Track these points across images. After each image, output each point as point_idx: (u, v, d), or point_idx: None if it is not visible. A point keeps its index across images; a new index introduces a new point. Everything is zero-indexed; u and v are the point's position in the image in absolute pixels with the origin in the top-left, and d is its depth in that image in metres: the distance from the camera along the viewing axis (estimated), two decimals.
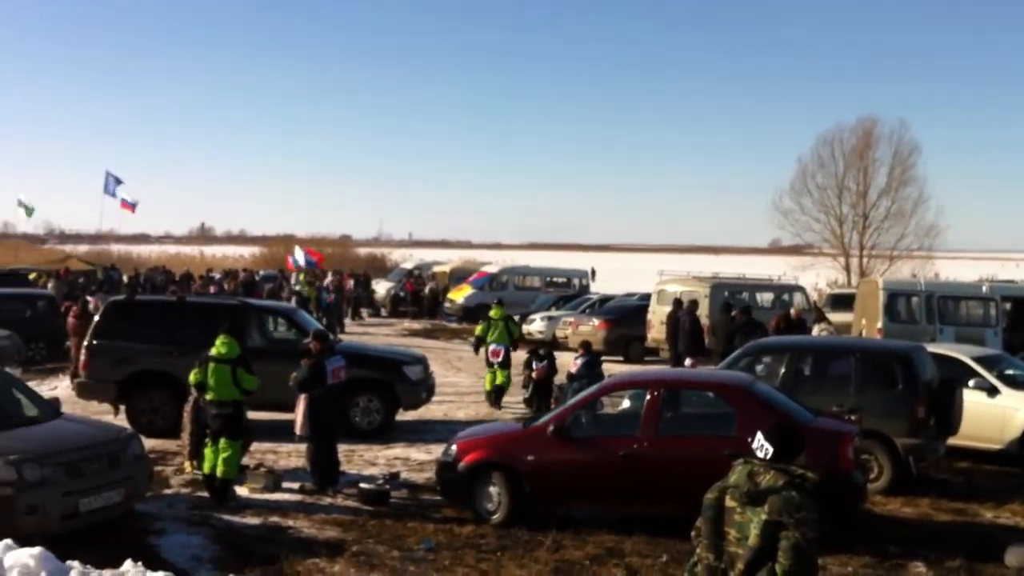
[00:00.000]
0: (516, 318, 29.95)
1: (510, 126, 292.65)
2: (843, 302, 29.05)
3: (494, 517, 10.75)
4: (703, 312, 21.81)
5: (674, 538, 9.68)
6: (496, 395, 18.29)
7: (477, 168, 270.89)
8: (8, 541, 6.75)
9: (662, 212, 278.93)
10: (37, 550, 6.55)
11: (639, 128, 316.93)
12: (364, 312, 38.59)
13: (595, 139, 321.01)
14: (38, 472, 9.39)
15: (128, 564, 7.00)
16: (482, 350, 19.33)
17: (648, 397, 10.59)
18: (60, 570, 6.46)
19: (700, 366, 17.70)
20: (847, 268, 47.30)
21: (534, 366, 16.88)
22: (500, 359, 18.38)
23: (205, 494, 11.85)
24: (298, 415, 12.30)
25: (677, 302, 21.29)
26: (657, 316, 24.49)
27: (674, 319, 20.41)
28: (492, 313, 19.66)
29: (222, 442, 11.74)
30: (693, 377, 13.06)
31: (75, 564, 6.69)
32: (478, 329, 19.96)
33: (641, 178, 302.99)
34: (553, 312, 29.78)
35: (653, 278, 28.74)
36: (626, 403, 11.58)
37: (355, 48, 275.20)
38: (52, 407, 11.28)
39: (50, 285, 32.89)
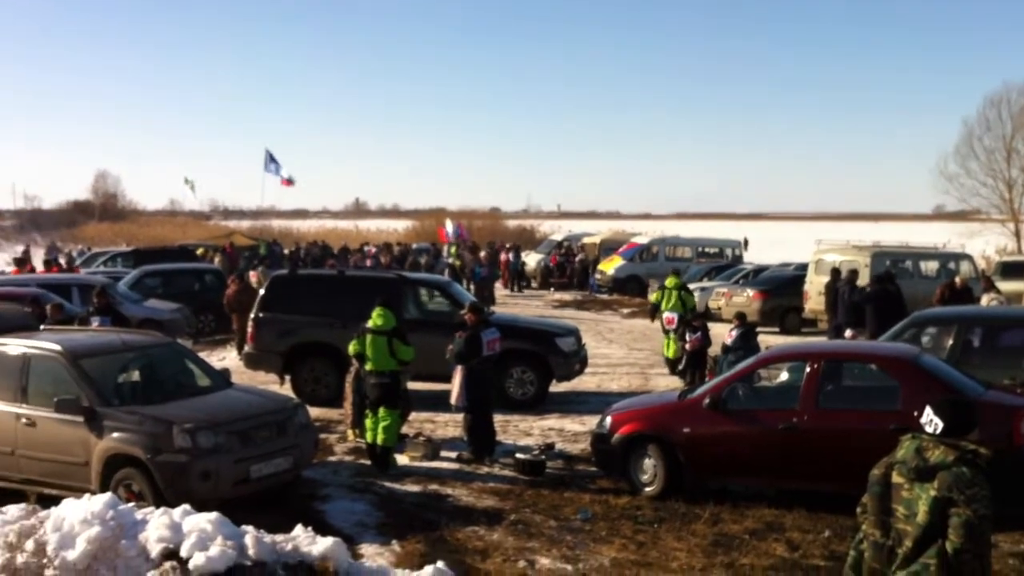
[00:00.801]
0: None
1: (656, 95, 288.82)
2: (1015, 270, 27.69)
3: (649, 489, 10.72)
4: (863, 282, 21.15)
5: (835, 513, 9.48)
6: (672, 364, 18.24)
7: (624, 138, 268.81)
8: (186, 507, 7.09)
9: (815, 179, 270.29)
10: (214, 515, 6.86)
11: (789, 91, 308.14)
12: (519, 284, 38.86)
13: (745, 104, 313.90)
14: (212, 439, 9.83)
15: (298, 529, 7.25)
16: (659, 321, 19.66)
17: (808, 369, 10.34)
18: (235, 534, 6.74)
19: (860, 338, 17.17)
20: (1017, 234, 45.07)
21: (688, 337, 16.69)
22: (675, 327, 18.34)
23: (367, 462, 12.21)
24: (455, 386, 12.51)
25: (835, 272, 20.70)
26: (815, 286, 23.85)
27: (833, 289, 19.88)
28: (667, 282, 19.83)
29: (381, 411, 12.04)
30: (855, 349, 12.69)
31: (249, 528, 6.97)
32: (653, 296, 20.35)
33: (792, 143, 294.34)
34: (705, 283, 29.34)
35: (808, 247, 27.94)
36: (784, 375, 11.34)
37: (505, 23, 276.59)
38: (223, 377, 11.77)
39: (216, 259, 34.34)
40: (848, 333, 17.62)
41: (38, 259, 37.58)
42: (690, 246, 38.65)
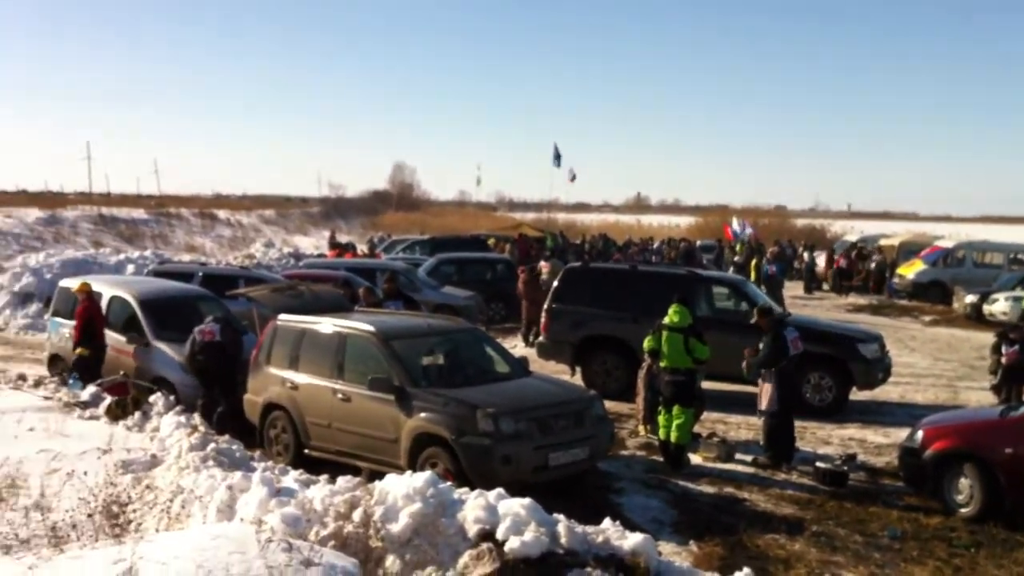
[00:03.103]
0: (973, 297, 27.93)
1: (961, 89, 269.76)
2: None
3: (964, 510, 10.03)
4: None
5: None
6: None
7: (922, 136, 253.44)
8: (500, 490, 7.26)
9: None
10: (527, 501, 6.98)
11: None
12: (811, 286, 37.53)
13: None
14: (513, 425, 10.05)
15: (607, 522, 7.28)
16: None
17: None
18: (548, 521, 6.83)
19: None
20: None
21: (1004, 350, 15.46)
22: None
23: (660, 458, 12.12)
24: (765, 391, 12.13)
25: None
26: None
27: None
28: None
29: (675, 409, 11.92)
30: None
31: (561, 517, 7.06)
32: None
33: None
34: (1019, 292, 27.18)
35: None
36: None
37: (797, 9, 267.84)
38: (521, 365, 12.03)
39: (507, 249, 35.32)
40: None
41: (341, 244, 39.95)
42: (1001, 252, 35.79)
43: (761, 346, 12.26)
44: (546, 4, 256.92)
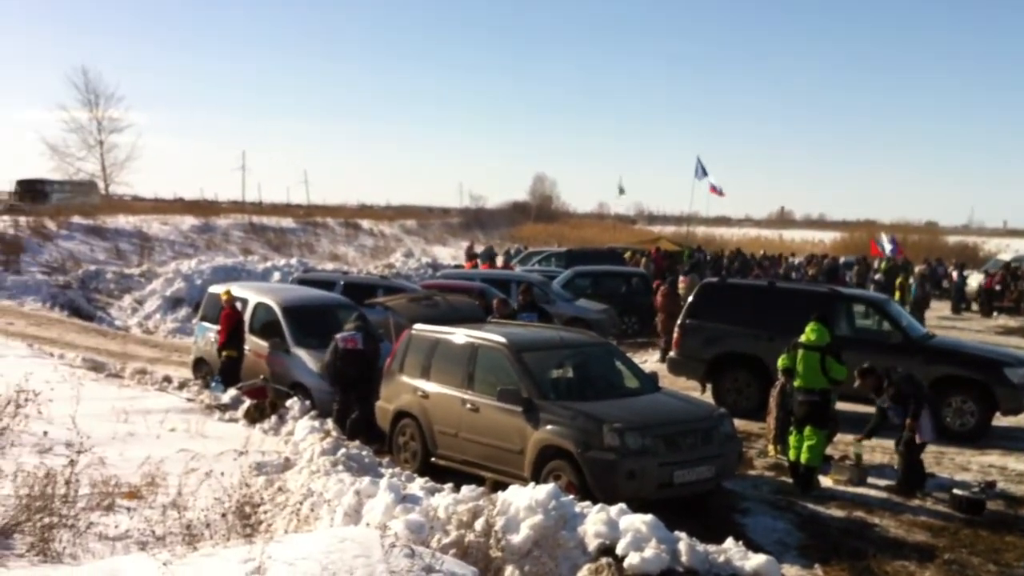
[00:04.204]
0: None
1: None
2: None
3: None
4: None
5: None
6: None
7: None
8: (622, 505, 7.31)
9: None
10: (648, 517, 7.01)
11: None
12: (960, 306, 36.13)
13: None
14: (639, 441, 10.05)
15: (729, 542, 7.24)
16: None
17: None
18: (669, 539, 6.85)
19: None
20: None
21: None
22: None
23: (788, 479, 11.93)
24: (922, 422, 11.76)
25: None
26: None
27: None
28: None
29: (807, 430, 11.70)
30: None
31: (682, 535, 7.06)
32: None
33: None
34: None
35: None
36: None
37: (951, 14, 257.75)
38: (651, 381, 12.01)
39: (643, 263, 35.18)
40: None
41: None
42: None
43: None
44: (689, 15, 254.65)
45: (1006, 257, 43.94)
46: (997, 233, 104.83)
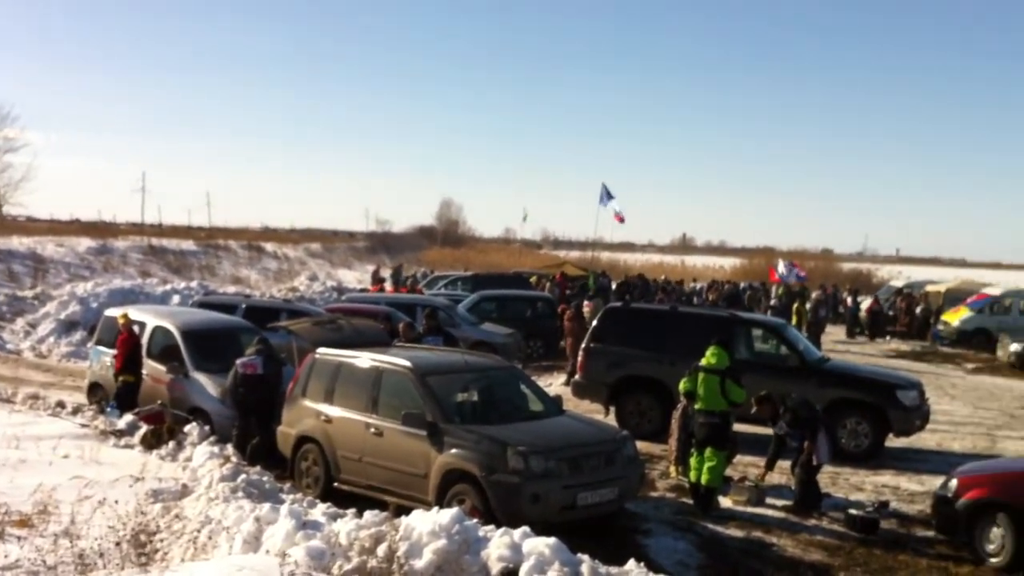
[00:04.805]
0: (1018, 346, 27.52)
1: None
2: None
3: (995, 560, 9.93)
4: None
5: None
6: None
7: (975, 180, 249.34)
8: (525, 529, 7.32)
9: None
10: (552, 540, 7.03)
11: None
12: (854, 331, 37.15)
13: None
14: (543, 464, 10.07)
15: (631, 564, 7.30)
16: None
17: None
18: (572, 561, 6.88)
19: None
20: None
21: None
22: None
23: (689, 500, 12.09)
24: (819, 444, 12.09)
25: None
26: None
27: None
28: None
29: (708, 451, 11.89)
30: None
31: (585, 558, 7.09)
32: None
33: None
34: None
35: None
36: None
37: (846, 54, 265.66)
38: (556, 404, 12.07)
39: (547, 287, 35.42)
40: None
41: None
42: None
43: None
44: (594, 44, 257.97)
45: (899, 283, 45.39)
46: (890, 260, 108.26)
